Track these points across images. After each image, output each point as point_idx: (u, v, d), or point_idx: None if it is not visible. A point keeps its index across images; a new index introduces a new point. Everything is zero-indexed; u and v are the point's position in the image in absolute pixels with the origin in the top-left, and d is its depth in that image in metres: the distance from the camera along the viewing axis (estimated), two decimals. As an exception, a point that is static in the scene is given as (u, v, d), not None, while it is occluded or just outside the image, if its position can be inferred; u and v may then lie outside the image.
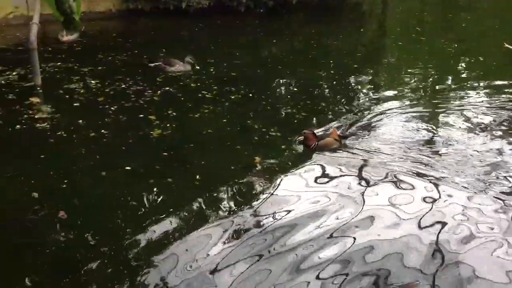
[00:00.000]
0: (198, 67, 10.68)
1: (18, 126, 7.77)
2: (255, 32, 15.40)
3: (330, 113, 9.01)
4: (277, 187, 6.37)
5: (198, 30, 15.09)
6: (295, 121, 8.58)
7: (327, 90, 10.30)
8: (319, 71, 11.50)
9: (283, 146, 7.55)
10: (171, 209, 5.82)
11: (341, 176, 6.65)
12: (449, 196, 6.10)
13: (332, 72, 11.38)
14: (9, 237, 5.33)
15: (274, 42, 13.95)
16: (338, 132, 7.44)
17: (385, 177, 6.54)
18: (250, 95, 9.69)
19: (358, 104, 9.49)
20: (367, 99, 9.81)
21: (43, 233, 5.34)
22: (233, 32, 15.19)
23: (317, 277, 4.69)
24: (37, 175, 6.42)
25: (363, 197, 6.06)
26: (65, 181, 6.28)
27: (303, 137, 7.33)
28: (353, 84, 10.84)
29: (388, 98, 9.86)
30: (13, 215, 5.68)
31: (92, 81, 9.84)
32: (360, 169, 6.79)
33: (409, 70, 11.96)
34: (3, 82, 9.60)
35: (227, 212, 5.82)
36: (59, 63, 10.85)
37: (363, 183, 6.44)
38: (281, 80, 10.77)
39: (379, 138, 7.82)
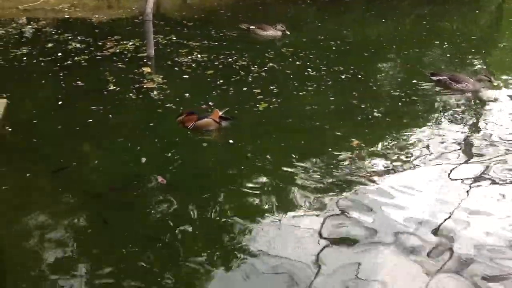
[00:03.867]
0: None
1: (131, 94, 8.19)
2: (364, 10, 15.01)
3: (438, 99, 8.67)
4: (375, 174, 6.24)
5: (306, 6, 14.99)
6: (400, 103, 8.34)
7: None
8: (430, 53, 11.04)
9: (384, 130, 7.38)
10: (265, 186, 5.90)
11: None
12: None
13: (447, 55, 10.88)
14: (118, 195, 5.71)
15: (383, 21, 13.53)
16: (221, 114, 7.22)
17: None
18: (359, 76, 9.45)
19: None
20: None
21: (143, 195, 5.68)
22: (341, 10, 14.91)
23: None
24: (145, 142, 6.76)
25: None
26: (169, 149, 6.57)
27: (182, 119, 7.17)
28: (466, 68, 10.29)
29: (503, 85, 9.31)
30: (123, 176, 6.06)
31: (200, 55, 10.10)
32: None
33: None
34: (118, 51, 10.12)
35: (319, 194, 5.79)
36: (171, 36, 11.23)
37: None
38: (389, 62, 10.44)
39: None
